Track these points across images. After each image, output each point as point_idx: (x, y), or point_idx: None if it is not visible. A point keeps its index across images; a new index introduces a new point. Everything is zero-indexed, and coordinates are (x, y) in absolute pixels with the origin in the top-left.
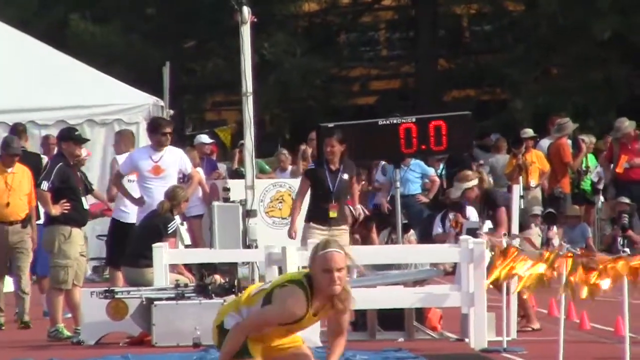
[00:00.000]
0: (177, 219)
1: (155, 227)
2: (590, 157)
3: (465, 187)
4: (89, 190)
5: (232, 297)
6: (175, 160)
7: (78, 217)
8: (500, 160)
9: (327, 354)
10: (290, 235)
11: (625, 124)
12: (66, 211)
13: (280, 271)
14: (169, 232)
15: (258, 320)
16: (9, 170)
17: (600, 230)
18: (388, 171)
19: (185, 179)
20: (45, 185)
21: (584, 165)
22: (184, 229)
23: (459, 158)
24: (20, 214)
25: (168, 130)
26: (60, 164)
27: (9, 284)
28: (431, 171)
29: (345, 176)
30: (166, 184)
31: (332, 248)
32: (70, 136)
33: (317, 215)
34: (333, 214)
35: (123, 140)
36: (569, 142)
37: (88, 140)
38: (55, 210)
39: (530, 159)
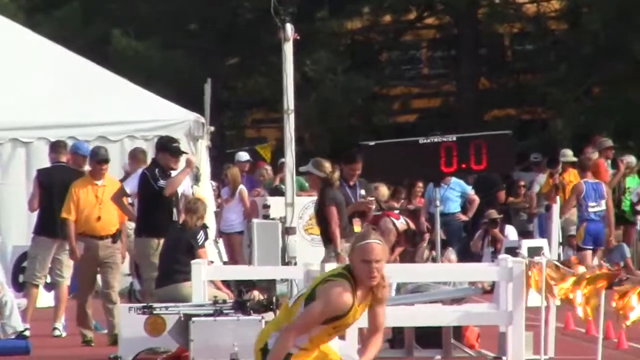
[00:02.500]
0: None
1: (185, 242)
2: (630, 177)
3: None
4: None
5: (271, 314)
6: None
7: (166, 229)
8: (541, 180)
9: (361, 352)
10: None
11: None
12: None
13: None
14: (200, 243)
15: (305, 318)
16: (99, 183)
17: None
18: (428, 190)
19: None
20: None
21: (627, 185)
22: (221, 246)
23: (490, 178)
24: (111, 228)
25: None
26: (143, 172)
27: (47, 298)
28: (471, 190)
29: (363, 192)
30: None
31: (371, 239)
32: (167, 147)
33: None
34: (358, 228)
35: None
36: (609, 162)
37: (185, 152)
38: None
39: (567, 178)
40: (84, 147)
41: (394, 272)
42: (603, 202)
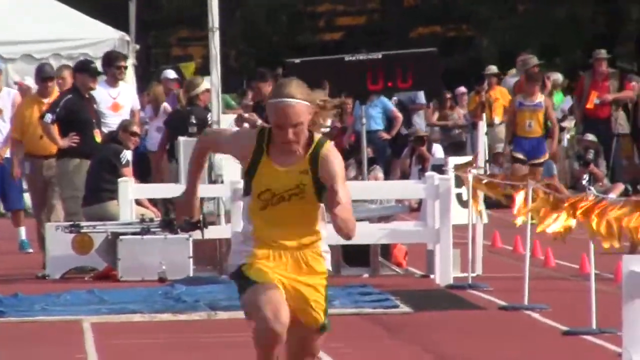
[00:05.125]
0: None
1: (106, 160)
2: (556, 94)
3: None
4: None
5: (198, 232)
6: (130, 97)
7: (87, 150)
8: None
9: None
10: None
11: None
12: (74, 144)
13: None
14: (123, 162)
15: (216, 133)
16: (45, 100)
17: (569, 166)
18: (355, 107)
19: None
20: (48, 117)
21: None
22: None
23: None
24: (55, 147)
25: (123, 64)
26: (69, 96)
27: None
28: (393, 107)
29: None
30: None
31: (285, 97)
32: (85, 68)
33: None
34: None
35: None
36: None
37: (101, 73)
38: (63, 142)
39: (494, 95)
40: None
41: None
42: None
